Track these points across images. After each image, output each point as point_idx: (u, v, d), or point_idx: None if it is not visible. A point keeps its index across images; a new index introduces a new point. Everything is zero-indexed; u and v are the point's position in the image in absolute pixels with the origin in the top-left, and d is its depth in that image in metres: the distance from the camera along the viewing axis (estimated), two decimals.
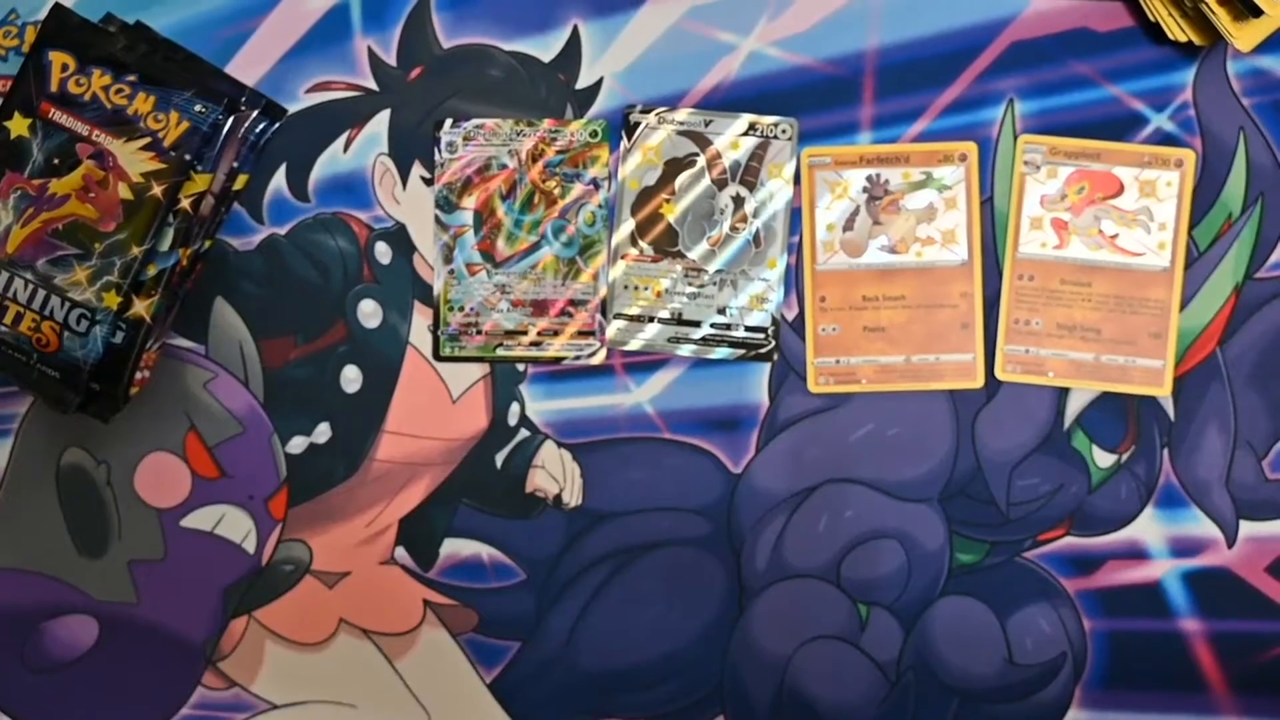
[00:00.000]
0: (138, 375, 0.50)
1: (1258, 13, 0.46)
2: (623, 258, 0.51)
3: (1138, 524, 0.51)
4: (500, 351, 0.51)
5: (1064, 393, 0.51)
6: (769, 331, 0.51)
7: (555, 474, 0.52)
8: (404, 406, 0.52)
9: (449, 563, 0.52)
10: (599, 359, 0.51)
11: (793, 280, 0.51)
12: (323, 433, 0.52)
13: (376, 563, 0.52)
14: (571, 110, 0.51)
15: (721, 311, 0.51)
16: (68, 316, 0.48)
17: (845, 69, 0.50)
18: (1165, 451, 0.51)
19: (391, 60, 0.51)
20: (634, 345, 0.51)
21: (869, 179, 0.51)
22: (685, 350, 0.51)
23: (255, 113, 0.50)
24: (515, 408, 0.52)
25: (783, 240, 0.51)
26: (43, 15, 0.50)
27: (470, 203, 0.51)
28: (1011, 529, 0.51)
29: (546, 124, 0.51)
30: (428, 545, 0.52)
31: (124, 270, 0.48)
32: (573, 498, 0.52)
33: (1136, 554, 0.51)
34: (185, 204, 0.48)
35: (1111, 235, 0.50)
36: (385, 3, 0.51)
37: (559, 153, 0.51)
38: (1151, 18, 0.49)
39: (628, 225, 0.51)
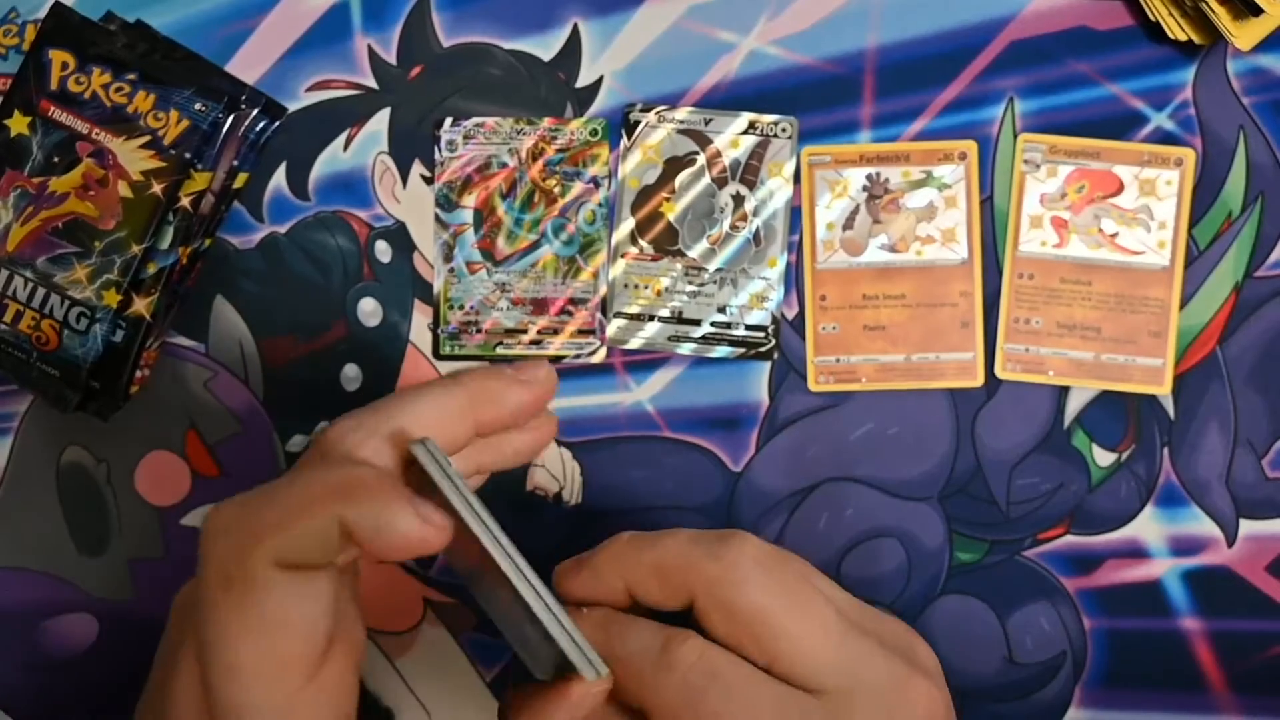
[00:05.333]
0: (137, 374, 0.50)
1: (1258, 11, 0.46)
2: (623, 256, 0.51)
3: (1137, 523, 0.51)
4: (500, 350, 0.51)
5: (1064, 391, 0.51)
6: (769, 330, 0.51)
7: (555, 472, 0.52)
8: None
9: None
10: (599, 357, 0.51)
11: (793, 279, 0.51)
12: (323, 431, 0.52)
13: (375, 561, 0.52)
14: (571, 109, 0.51)
15: (722, 310, 0.51)
16: (67, 315, 0.48)
17: (845, 68, 0.50)
18: (1165, 450, 0.51)
19: (391, 59, 0.51)
20: (634, 344, 0.51)
21: (869, 178, 0.51)
22: (685, 349, 0.51)
23: (255, 111, 0.50)
24: None
25: (783, 239, 0.51)
26: (43, 14, 0.50)
27: (470, 201, 0.51)
28: (1011, 528, 0.51)
29: (546, 122, 0.51)
30: None
31: (124, 268, 0.48)
32: (572, 496, 0.52)
33: (1136, 553, 0.51)
34: (185, 202, 0.48)
35: (1111, 234, 0.50)
36: (385, 2, 0.51)
37: (559, 151, 0.51)
38: (1151, 16, 0.49)
39: (628, 224, 0.51)
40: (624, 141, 0.51)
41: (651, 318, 0.51)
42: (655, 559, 0.34)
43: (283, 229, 0.52)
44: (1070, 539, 0.51)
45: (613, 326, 0.51)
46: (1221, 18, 0.47)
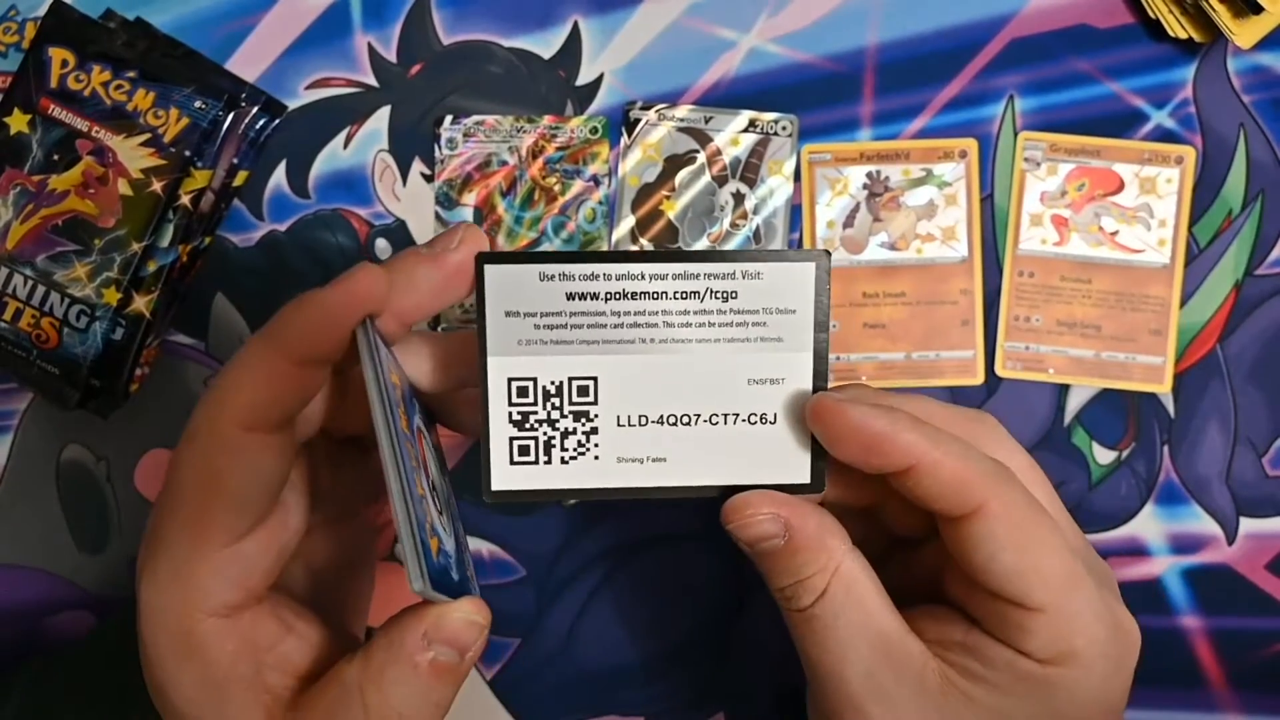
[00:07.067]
0: (137, 371, 0.50)
1: (1258, 10, 0.46)
2: None
3: (1138, 521, 0.51)
4: None
5: (1064, 389, 0.51)
6: None
7: None
8: None
9: None
10: None
11: None
12: None
13: (377, 559, 0.52)
14: (571, 107, 0.51)
15: None
16: (67, 313, 0.48)
17: (845, 65, 0.50)
18: (1165, 448, 0.51)
19: (392, 57, 0.51)
20: None
21: (869, 176, 0.51)
22: None
23: (255, 109, 0.50)
24: None
25: (783, 237, 0.51)
26: (43, 11, 0.50)
27: (470, 199, 0.51)
28: None
29: (546, 120, 0.51)
30: None
31: (124, 266, 0.48)
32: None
33: (1136, 551, 0.51)
34: (185, 200, 0.48)
35: (1112, 232, 0.50)
36: None
37: (559, 149, 0.51)
38: (1151, 14, 0.49)
39: (628, 222, 0.51)
40: (624, 139, 0.51)
41: None
42: (956, 462, 0.32)
43: (283, 227, 0.52)
44: None
45: None
46: (1222, 16, 0.47)
